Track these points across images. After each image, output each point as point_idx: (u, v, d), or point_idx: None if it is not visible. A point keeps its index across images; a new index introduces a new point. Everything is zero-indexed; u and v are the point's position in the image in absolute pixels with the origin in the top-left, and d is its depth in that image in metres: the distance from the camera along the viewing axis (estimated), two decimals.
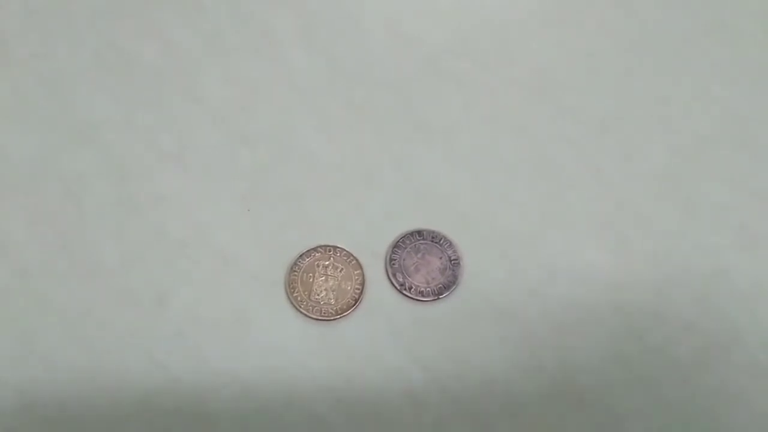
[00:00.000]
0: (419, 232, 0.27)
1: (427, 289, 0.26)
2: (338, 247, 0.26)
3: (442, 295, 0.26)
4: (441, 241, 0.27)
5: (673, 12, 0.32)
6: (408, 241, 0.27)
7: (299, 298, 0.25)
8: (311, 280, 0.26)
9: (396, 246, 0.26)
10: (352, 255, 0.26)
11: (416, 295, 0.26)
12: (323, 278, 0.26)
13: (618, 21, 0.32)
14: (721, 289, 0.27)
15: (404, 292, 0.26)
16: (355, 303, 0.25)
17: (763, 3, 0.32)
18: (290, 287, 0.26)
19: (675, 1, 0.32)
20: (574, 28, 0.31)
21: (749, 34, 0.31)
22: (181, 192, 0.28)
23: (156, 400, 0.24)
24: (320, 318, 0.25)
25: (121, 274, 0.26)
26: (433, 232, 0.27)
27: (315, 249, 0.26)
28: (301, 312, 0.25)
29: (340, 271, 0.26)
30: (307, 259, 0.26)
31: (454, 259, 0.26)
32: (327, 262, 0.26)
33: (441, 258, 0.26)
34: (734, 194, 0.28)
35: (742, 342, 0.26)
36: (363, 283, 0.26)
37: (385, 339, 0.25)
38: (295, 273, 0.26)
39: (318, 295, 0.26)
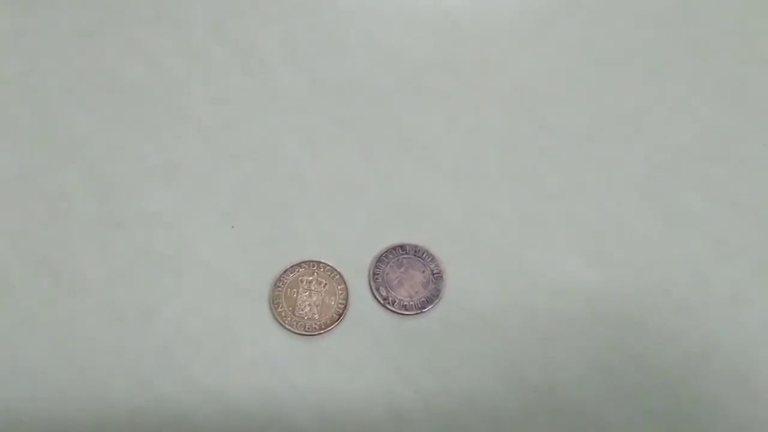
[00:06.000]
0: (402, 246, 0.27)
1: (411, 302, 0.26)
2: (322, 262, 0.26)
3: (425, 308, 0.26)
4: (423, 255, 0.27)
5: (652, 29, 0.32)
6: (391, 256, 0.27)
7: (283, 314, 0.26)
8: (295, 295, 0.26)
9: (379, 260, 0.27)
10: (336, 270, 0.26)
11: (399, 309, 0.26)
12: (307, 293, 0.26)
13: (598, 37, 0.32)
14: (700, 298, 0.27)
15: (388, 306, 0.26)
16: (339, 318, 0.26)
17: (737, 21, 0.33)
18: (274, 302, 0.26)
19: (653, 19, 0.33)
20: (555, 43, 0.32)
21: (726, 50, 0.32)
22: (166, 208, 0.28)
23: (141, 416, 0.24)
24: (304, 333, 0.25)
25: (105, 291, 0.26)
26: (416, 246, 0.27)
27: (299, 264, 0.26)
28: (285, 327, 0.25)
29: (324, 286, 0.26)
30: (291, 275, 0.26)
31: (436, 273, 0.27)
32: (311, 277, 0.26)
33: (424, 272, 0.27)
34: (713, 205, 0.28)
35: (722, 350, 0.26)
36: (347, 298, 0.26)
37: (368, 353, 0.25)
38: (279, 288, 0.26)
39: (302, 310, 0.26)
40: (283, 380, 0.25)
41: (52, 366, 0.25)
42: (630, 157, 0.29)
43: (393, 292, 0.26)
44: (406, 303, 0.26)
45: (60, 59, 0.30)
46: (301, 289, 0.26)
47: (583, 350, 0.26)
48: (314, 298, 0.26)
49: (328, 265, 0.26)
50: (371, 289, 0.26)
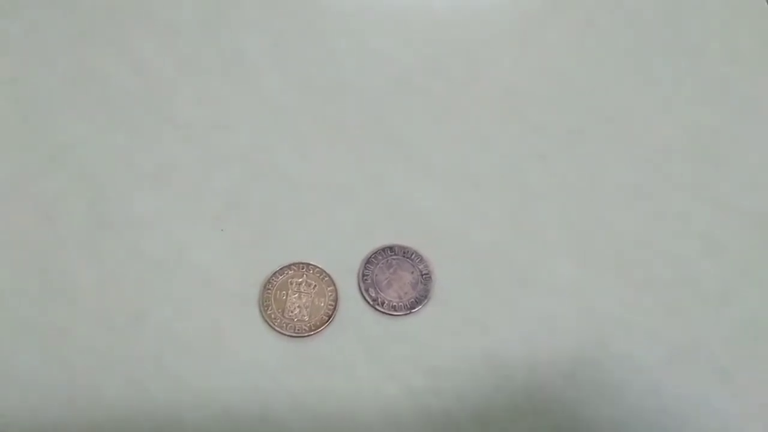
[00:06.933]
0: (391, 248, 0.27)
1: (400, 303, 0.26)
2: (311, 264, 0.27)
3: (414, 309, 0.26)
4: (412, 256, 0.27)
5: (637, 31, 0.33)
6: (380, 257, 0.27)
7: (273, 316, 0.26)
8: (285, 297, 0.26)
9: (368, 262, 0.27)
10: (325, 272, 0.27)
11: (389, 310, 0.26)
12: (296, 295, 0.26)
13: (585, 39, 0.32)
14: (686, 296, 0.27)
15: (377, 307, 0.26)
16: (329, 319, 0.26)
17: (721, 22, 0.33)
18: (264, 305, 0.26)
19: (638, 21, 0.33)
20: (543, 45, 0.32)
21: (710, 51, 0.32)
22: (156, 212, 0.28)
23: (132, 419, 0.24)
24: (294, 335, 0.26)
25: (97, 295, 0.26)
26: (405, 247, 0.27)
27: (288, 266, 0.27)
28: (275, 329, 0.26)
29: (314, 288, 0.26)
30: (281, 277, 0.26)
31: (425, 274, 0.27)
32: (300, 279, 0.26)
33: (412, 272, 0.27)
34: (698, 204, 0.29)
35: (707, 348, 0.26)
36: (336, 300, 0.26)
37: (358, 354, 0.26)
38: (269, 291, 0.26)
39: (291, 312, 0.26)
40: (274, 382, 0.25)
41: (43, 370, 0.25)
42: (617, 157, 0.30)
43: (382, 293, 0.26)
44: (395, 304, 0.26)
45: (49, 63, 0.30)
46: (290, 291, 0.26)
47: (570, 349, 0.26)
48: (304, 300, 0.26)
49: (318, 267, 0.27)
50: (360, 290, 0.26)
